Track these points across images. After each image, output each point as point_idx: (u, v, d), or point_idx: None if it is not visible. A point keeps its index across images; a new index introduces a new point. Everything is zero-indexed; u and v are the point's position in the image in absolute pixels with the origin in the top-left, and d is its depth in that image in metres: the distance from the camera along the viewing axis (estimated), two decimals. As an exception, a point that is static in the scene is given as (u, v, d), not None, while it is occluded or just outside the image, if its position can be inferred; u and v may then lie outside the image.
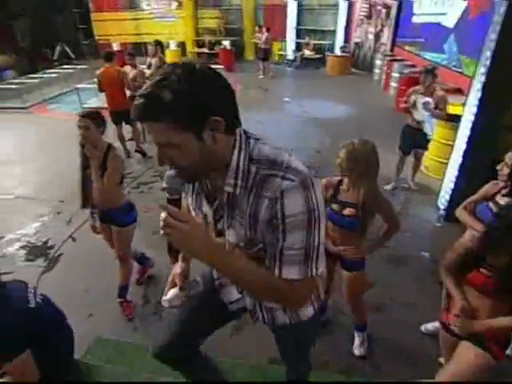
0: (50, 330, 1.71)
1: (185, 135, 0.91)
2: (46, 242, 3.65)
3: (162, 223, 0.92)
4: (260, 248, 1.10)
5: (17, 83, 8.77)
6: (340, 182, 2.13)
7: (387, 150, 3.75)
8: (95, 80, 5.33)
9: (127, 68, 5.46)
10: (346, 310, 2.56)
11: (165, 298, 1.37)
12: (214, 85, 0.93)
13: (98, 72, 5.12)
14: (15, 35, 12.53)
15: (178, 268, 1.44)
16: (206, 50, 13.15)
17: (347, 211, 2.07)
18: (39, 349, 1.61)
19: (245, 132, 1.06)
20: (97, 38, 14.30)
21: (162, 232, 0.93)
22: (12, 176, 5.19)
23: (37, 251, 3.53)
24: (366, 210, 2.04)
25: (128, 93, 5.19)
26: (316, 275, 1.07)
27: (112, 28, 13.70)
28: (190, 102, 0.88)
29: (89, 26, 14.23)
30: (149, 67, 5.89)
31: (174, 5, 13.52)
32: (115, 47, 11.23)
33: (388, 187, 4.48)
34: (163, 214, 0.91)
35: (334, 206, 2.12)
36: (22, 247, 3.60)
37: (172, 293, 1.37)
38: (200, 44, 13.55)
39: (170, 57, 9.61)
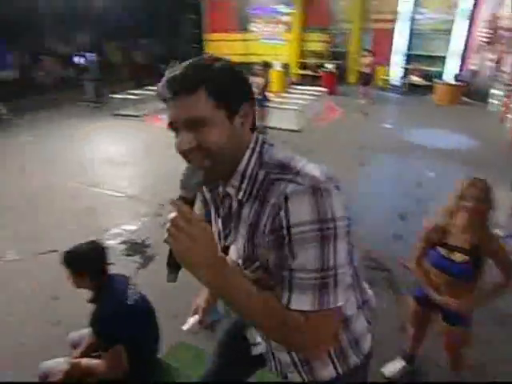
0: (141, 328, 1.80)
1: (218, 113, 0.85)
2: (143, 241, 3.92)
3: (168, 224, 0.80)
4: (258, 267, 0.94)
5: (134, 94, 9.77)
6: (447, 223, 1.92)
7: (501, 187, 3.35)
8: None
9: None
10: (442, 363, 2.29)
11: (185, 327, 1.43)
12: (246, 78, 0.92)
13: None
14: (136, 53, 14.25)
15: (201, 298, 1.41)
16: (309, 72, 13.32)
17: (457, 256, 1.85)
18: (129, 344, 1.69)
19: (263, 138, 0.97)
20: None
21: (165, 235, 0.80)
22: (124, 177, 5.74)
23: (135, 248, 3.81)
24: (480, 256, 1.82)
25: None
26: (335, 309, 0.86)
27: (222, 47, 14.62)
28: (232, 81, 0.87)
29: (201, 45, 15.40)
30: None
31: (282, 28, 13.99)
32: (223, 66, 11.89)
33: (500, 231, 3.99)
34: (172, 214, 0.80)
35: (442, 251, 1.91)
36: (123, 242, 3.91)
37: (192, 321, 1.43)
38: (304, 66, 13.78)
39: (275, 77, 9.91)
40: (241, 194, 0.92)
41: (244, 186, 0.91)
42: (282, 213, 0.83)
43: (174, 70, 0.86)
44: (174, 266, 0.83)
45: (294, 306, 0.85)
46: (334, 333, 0.96)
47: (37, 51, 11.67)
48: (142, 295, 1.86)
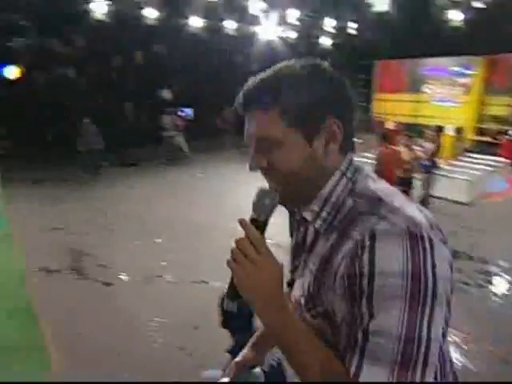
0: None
1: (294, 135, 0.74)
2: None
3: (233, 245, 0.72)
4: (320, 313, 0.77)
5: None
6: None
7: None
8: (372, 157, 5.47)
9: (401, 148, 5.49)
10: None
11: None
12: (342, 88, 0.77)
13: (377, 152, 5.26)
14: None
15: (242, 354, 1.09)
16: (487, 139, 11.97)
17: None
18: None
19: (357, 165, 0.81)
20: (373, 114, 15.32)
21: (229, 259, 0.72)
22: (278, 224, 5.86)
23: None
24: None
25: (397, 172, 5.16)
26: None
27: (390, 108, 14.40)
28: (317, 97, 0.74)
29: (368, 104, 15.40)
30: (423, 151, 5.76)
31: (460, 90, 13.05)
32: (389, 126, 11.66)
33: None
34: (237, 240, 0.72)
35: None
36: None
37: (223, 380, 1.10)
38: (481, 132, 12.48)
39: (446, 142, 9.15)
40: (319, 221, 0.79)
41: (324, 213, 0.78)
42: (365, 256, 0.66)
43: (255, 79, 0.78)
44: (234, 293, 0.75)
45: (363, 377, 0.64)
46: None
47: (219, 103, 13.25)
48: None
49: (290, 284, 0.91)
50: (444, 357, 0.80)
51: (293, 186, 0.78)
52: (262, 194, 0.77)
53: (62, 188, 7.82)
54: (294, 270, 0.90)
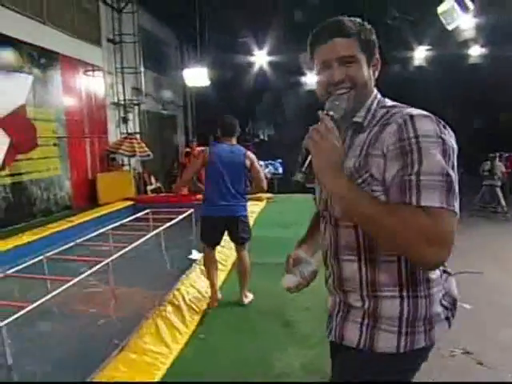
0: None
1: (362, 56, 1.08)
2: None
3: (311, 131, 1.00)
4: (364, 179, 1.01)
5: None
6: None
7: None
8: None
9: None
10: None
11: (282, 283, 1.26)
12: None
13: None
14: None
15: (294, 251, 1.32)
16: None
17: None
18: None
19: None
20: None
21: (306, 139, 1.01)
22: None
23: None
24: None
25: None
26: (456, 215, 0.91)
27: None
28: (371, 35, 1.11)
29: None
30: None
31: None
32: None
33: None
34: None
35: None
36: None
37: (286, 276, 1.26)
38: None
39: None
40: (366, 121, 1.10)
41: (369, 116, 1.10)
42: (410, 126, 0.96)
43: (328, 21, 1.10)
44: (305, 167, 1.02)
45: (424, 202, 0.90)
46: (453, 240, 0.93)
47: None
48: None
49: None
50: None
51: (358, 95, 1.09)
52: (335, 99, 1.07)
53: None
54: None
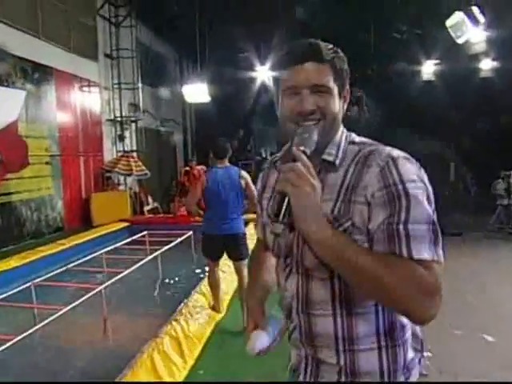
0: None
1: (335, 86, 1.01)
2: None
3: (286, 171, 0.89)
4: (346, 228, 0.94)
5: None
6: None
7: None
8: None
9: None
10: None
11: (248, 346, 1.10)
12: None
13: None
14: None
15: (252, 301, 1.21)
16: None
17: None
18: None
19: None
20: None
21: (280, 182, 0.90)
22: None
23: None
24: None
25: None
26: (442, 267, 0.89)
27: None
28: (344, 64, 1.05)
29: None
30: None
31: None
32: None
33: None
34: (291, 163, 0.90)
35: None
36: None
37: (254, 336, 1.10)
38: None
39: None
40: (338, 160, 1.03)
41: (340, 154, 1.03)
42: (394, 170, 0.92)
43: (307, 40, 1.04)
44: (283, 214, 0.89)
45: (416, 255, 0.87)
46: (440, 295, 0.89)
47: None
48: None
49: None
50: None
51: (327, 128, 1.02)
52: (304, 129, 0.99)
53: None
54: None
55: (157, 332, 3.18)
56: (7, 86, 6.71)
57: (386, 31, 10.89)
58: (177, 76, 13.97)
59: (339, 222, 0.96)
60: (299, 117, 1.00)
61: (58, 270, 4.79)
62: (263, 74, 12.71)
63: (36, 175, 7.37)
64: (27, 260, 5.66)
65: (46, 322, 3.34)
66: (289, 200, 0.88)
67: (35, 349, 3.54)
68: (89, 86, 9.03)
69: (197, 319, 3.56)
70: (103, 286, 4.03)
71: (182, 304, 3.81)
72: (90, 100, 9.13)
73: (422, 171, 0.97)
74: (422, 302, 0.86)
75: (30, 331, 3.14)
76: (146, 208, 10.50)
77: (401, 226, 0.88)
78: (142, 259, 5.13)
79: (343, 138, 1.07)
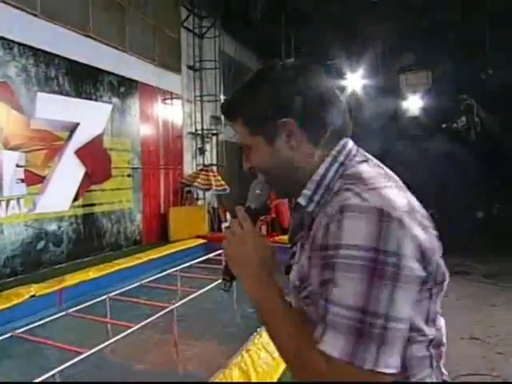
0: None
1: (256, 139, 0.92)
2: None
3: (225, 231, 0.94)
4: (310, 292, 0.85)
5: None
6: None
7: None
8: None
9: None
10: None
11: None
12: (306, 85, 0.90)
13: None
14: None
15: None
16: None
17: None
18: None
19: (357, 149, 0.93)
20: None
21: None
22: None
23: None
24: None
25: None
26: (376, 377, 0.69)
27: None
28: (263, 101, 0.89)
29: None
30: None
31: None
32: None
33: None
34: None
35: None
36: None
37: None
38: None
39: None
40: (312, 205, 0.89)
41: (317, 196, 0.89)
42: (334, 227, 0.76)
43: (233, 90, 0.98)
44: (227, 274, 0.95)
45: (321, 345, 0.73)
46: None
47: None
48: None
49: (288, 269, 0.98)
50: (422, 359, 0.83)
51: (275, 181, 0.97)
52: (254, 186, 0.99)
53: (490, 285, 6.81)
54: (291, 257, 0.98)
55: (226, 362, 3.13)
56: (95, 100, 7.35)
57: (505, 27, 9.91)
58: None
59: (304, 284, 0.88)
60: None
61: (133, 285, 5.01)
62: (354, 82, 12.46)
63: (117, 187, 7.93)
64: (104, 272, 6.05)
65: (118, 337, 3.47)
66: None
67: (104, 365, 3.70)
68: (171, 98, 9.58)
69: (270, 352, 3.44)
70: (175, 305, 4.11)
71: (255, 333, 3.72)
72: (172, 113, 9.66)
73: (388, 231, 0.73)
74: None
75: (100, 347, 3.27)
76: (224, 225, 10.73)
77: (322, 303, 0.77)
78: (216, 279, 5.17)
79: (330, 172, 0.89)
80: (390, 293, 0.72)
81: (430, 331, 0.83)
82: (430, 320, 0.83)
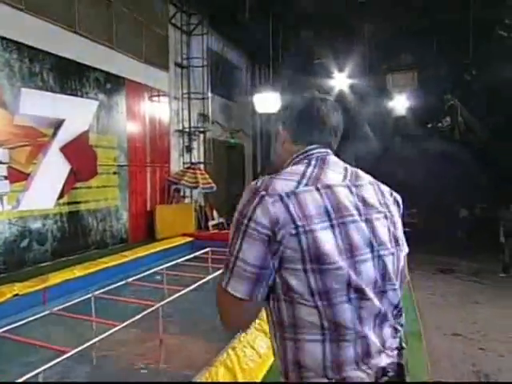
0: None
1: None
2: None
3: None
4: None
5: None
6: None
7: None
8: None
9: None
10: None
11: None
12: (303, 110, 1.24)
13: None
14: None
15: None
16: None
17: None
18: None
19: (323, 156, 1.18)
20: None
21: None
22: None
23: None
24: None
25: None
26: (230, 293, 1.04)
27: None
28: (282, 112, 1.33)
29: None
30: None
31: None
32: None
33: None
34: None
35: None
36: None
37: None
38: None
39: None
40: None
41: None
42: None
43: None
44: None
45: (219, 279, 1.09)
46: (232, 320, 1.15)
47: None
48: None
49: None
50: (312, 324, 1.01)
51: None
52: None
53: (473, 283, 7.22)
54: None
55: (211, 360, 3.12)
56: (81, 96, 7.26)
57: (488, 28, 10.05)
58: (248, 84, 14.25)
59: None
60: None
61: (119, 283, 4.97)
62: (341, 81, 12.51)
63: (103, 185, 7.84)
64: (90, 270, 5.98)
65: (103, 336, 3.44)
66: None
67: (89, 363, 3.67)
68: (158, 95, 9.50)
69: (257, 349, 3.44)
70: (161, 303, 4.08)
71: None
72: (159, 110, 9.58)
73: (250, 202, 1.04)
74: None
75: (85, 345, 3.24)
76: (211, 223, 10.70)
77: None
78: (203, 277, 5.16)
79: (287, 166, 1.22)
80: (240, 242, 1.02)
81: (315, 301, 0.99)
82: (316, 292, 0.99)
